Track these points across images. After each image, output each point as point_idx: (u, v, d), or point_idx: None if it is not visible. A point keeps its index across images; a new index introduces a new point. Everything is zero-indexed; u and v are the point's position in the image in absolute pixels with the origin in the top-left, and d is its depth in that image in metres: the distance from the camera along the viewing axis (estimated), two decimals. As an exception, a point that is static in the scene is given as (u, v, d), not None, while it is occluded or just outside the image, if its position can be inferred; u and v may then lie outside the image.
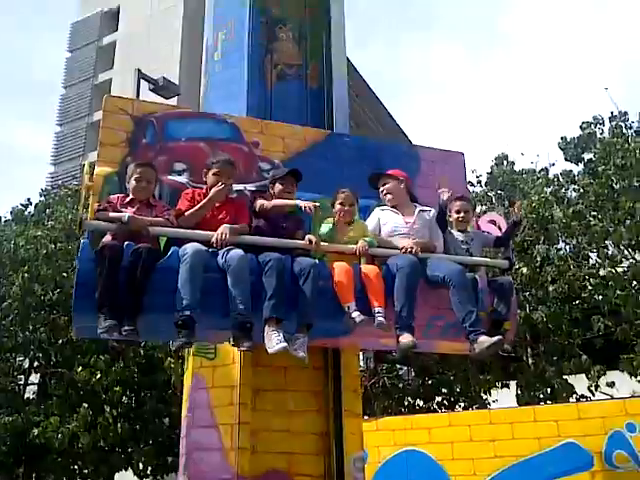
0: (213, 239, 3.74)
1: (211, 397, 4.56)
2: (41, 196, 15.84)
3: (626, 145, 10.82)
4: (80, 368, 11.27)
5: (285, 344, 3.52)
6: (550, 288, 9.96)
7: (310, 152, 4.84)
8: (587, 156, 11.42)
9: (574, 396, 10.08)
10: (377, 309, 3.81)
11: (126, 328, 3.43)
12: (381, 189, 4.52)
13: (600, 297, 9.92)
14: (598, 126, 11.57)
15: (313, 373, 4.58)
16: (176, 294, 3.50)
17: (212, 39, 5.79)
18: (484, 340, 3.70)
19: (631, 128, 11.48)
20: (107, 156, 4.38)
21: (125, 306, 3.48)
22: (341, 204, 4.27)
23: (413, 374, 11.96)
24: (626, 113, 11.56)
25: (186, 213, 3.94)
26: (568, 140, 11.71)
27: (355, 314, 3.76)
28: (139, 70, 12.68)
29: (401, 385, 11.62)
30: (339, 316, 3.86)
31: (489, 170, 12.99)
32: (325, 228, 4.22)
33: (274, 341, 3.52)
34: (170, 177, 4.41)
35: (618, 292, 9.57)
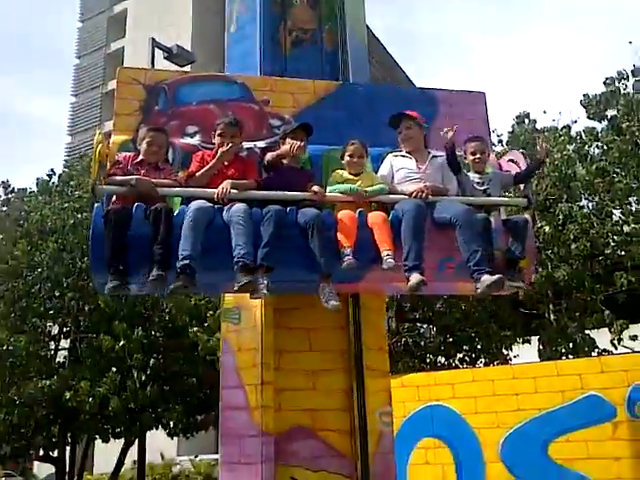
0: (216, 194, 3.86)
1: (237, 360, 4.72)
2: (65, 167, 16.05)
3: (651, 100, 10.65)
4: (104, 335, 11.64)
5: (265, 292, 3.61)
6: (572, 246, 9.91)
7: (321, 104, 4.85)
8: (610, 113, 11.21)
9: (596, 350, 10.15)
10: (385, 252, 3.82)
11: (154, 273, 3.57)
12: (403, 132, 4.44)
13: (623, 253, 9.89)
14: (622, 81, 11.30)
15: (337, 333, 4.68)
16: (179, 246, 3.63)
17: (229, 11, 5.80)
18: (486, 279, 3.69)
19: (656, 82, 11.23)
20: (122, 125, 4.52)
21: (156, 259, 3.61)
22: (350, 156, 4.30)
23: (434, 332, 12.10)
24: (650, 67, 11.29)
25: (196, 174, 4.05)
26: (590, 97, 11.49)
27: (345, 259, 3.78)
28: (153, 39, 12.65)
29: (423, 343, 11.77)
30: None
31: (510, 129, 12.83)
32: (336, 186, 4.20)
33: (260, 286, 3.61)
34: (182, 140, 4.51)
35: (641, 247, 9.55)
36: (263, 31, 5.31)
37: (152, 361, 12.36)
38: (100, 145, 3.91)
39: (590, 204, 10.90)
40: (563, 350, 10.28)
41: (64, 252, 12.59)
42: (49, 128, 64.15)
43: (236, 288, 3.62)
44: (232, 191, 3.89)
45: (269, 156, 4.23)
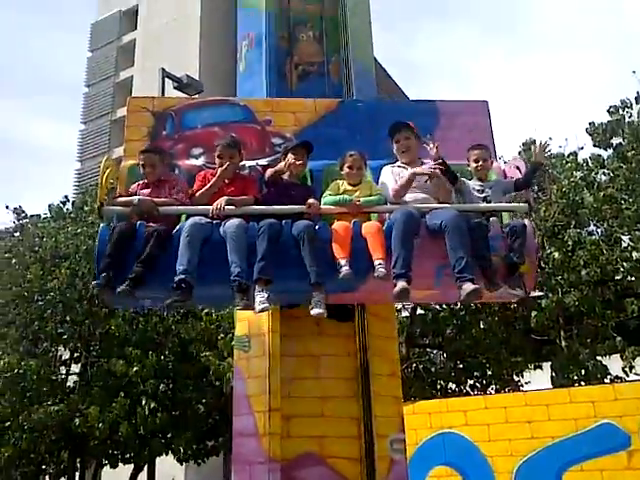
0: (211, 210, 3.99)
1: (247, 387, 4.77)
2: (78, 193, 16.26)
3: (656, 129, 10.79)
4: (116, 360, 11.69)
5: (267, 304, 3.69)
6: (582, 272, 9.95)
7: (322, 122, 4.96)
8: (616, 141, 11.34)
9: (608, 377, 10.13)
10: (377, 261, 3.84)
11: (122, 288, 3.76)
12: (402, 142, 4.46)
13: (633, 279, 9.93)
14: (626, 109, 11.46)
15: (346, 360, 4.71)
16: (177, 261, 3.79)
17: (238, 51, 6.00)
18: (466, 288, 3.68)
19: (660, 111, 11.37)
20: (131, 150, 4.75)
21: (132, 275, 3.81)
22: (349, 167, 4.36)
23: (445, 358, 12.08)
24: (655, 96, 11.44)
25: (197, 193, 4.23)
26: (596, 125, 11.64)
27: (342, 269, 3.81)
28: (163, 69, 12.95)
29: (433, 369, 11.75)
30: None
31: (517, 155, 12.96)
32: (330, 197, 4.28)
33: (258, 301, 3.71)
34: (187, 162, 4.75)
35: (651, 274, 9.60)
36: (269, 67, 5.49)
37: (162, 386, 12.37)
38: (108, 169, 4.16)
39: (599, 230, 10.97)
40: (575, 377, 10.26)
41: (76, 278, 12.70)
42: (56, 154, 64.90)
43: (237, 309, 3.77)
44: (229, 207, 4.03)
45: (268, 172, 4.38)
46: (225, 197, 4.08)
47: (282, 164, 4.36)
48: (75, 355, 13.28)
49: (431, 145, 4.26)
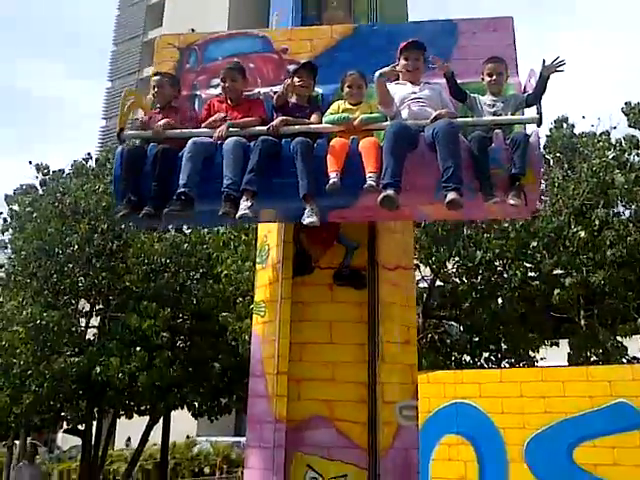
0: (214, 135, 4.11)
1: (262, 350, 4.84)
2: (100, 151, 16.35)
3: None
4: (131, 313, 11.89)
5: (247, 211, 3.80)
6: (608, 252, 9.80)
7: (337, 47, 4.93)
8: (652, 121, 11.04)
9: (627, 358, 10.05)
10: (369, 174, 3.84)
11: (145, 210, 3.97)
12: (411, 61, 4.37)
13: (659, 261, 9.77)
14: (666, 88, 11.13)
15: (357, 326, 4.68)
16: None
17: (271, 22, 5.99)
18: (447, 196, 3.68)
19: (700, 91, 11.02)
20: None
21: (152, 195, 4.04)
22: (349, 87, 4.34)
23: (461, 330, 12.06)
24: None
25: (202, 125, 4.34)
26: (632, 105, 11.33)
27: (330, 181, 3.84)
28: (192, 30, 12.82)
29: (449, 341, 11.75)
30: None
31: (548, 133, 12.70)
32: (328, 116, 4.28)
33: (241, 207, 3.83)
34: (207, 91, 4.90)
35: (678, 256, 9.42)
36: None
37: (179, 343, 12.57)
38: (131, 99, 4.45)
39: (627, 212, 10.75)
40: (593, 356, 10.19)
41: (95, 233, 12.87)
42: (84, 111, 65.13)
43: (219, 214, 3.86)
44: (232, 130, 4.14)
45: (275, 97, 4.44)
46: (228, 122, 4.20)
47: (281, 86, 4.41)
48: (96, 308, 13.54)
49: (440, 62, 4.20)
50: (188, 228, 15.01)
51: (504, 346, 11.48)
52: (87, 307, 13.56)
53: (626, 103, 11.52)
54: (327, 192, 3.85)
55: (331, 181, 3.84)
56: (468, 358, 11.59)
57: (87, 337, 13.16)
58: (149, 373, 11.56)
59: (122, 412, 13.52)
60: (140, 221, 4.19)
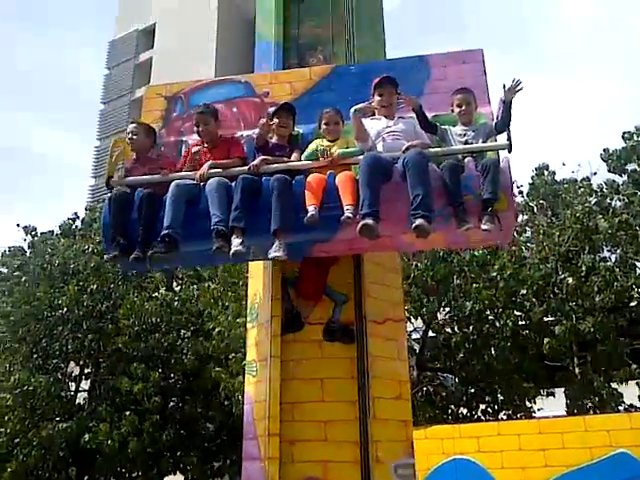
0: (196, 176, 4.25)
1: (253, 411, 4.77)
2: (87, 210, 16.43)
3: (672, 155, 10.75)
4: (122, 377, 11.69)
5: (240, 247, 3.89)
6: (597, 298, 9.88)
7: (316, 88, 5.09)
8: (631, 167, 11.31)
9: (623, 405, 9.98)
10: (346, 207, 3.93)
11: (134, 254, 4.11)
12: (385, 97, 4.49)
13: (648, 306, 9.84)
14: (640, 136, 11.46)
15: (348, 383, 4.63)
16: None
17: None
18: (415, 223, 3.77)
19: (677, 138, 11.33)
20: None
21: (139, 239, 4.17)
22: (326, 124, 4.49)
23: (456, 382, 11.95)
24: (671, 122, 11.44)
25: (182, 171, 4.49)
26: (611, 152, 11.63)
27: (308, 214, 3.93)
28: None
29: (444, 393, 11.62)
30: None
31: (530, 180, 12.96)
32: (306, 153, 4.44)
33: (233, 245, 3.92)
34: (193, 137, 4.96)
35: (667, 300, 9.50)
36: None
37: (170, 404, 12.32)
38: (119, 148, 4.60)
39: (613, 256, 10.89)
40: (589, 404, 10.11)
41: (85, 294, 12.77)
42: (71, 169, 65.62)
43: (213, 250, 3.93)
44: (214, 171, 4.27)
45: (255, 139, 4.59)
46: (209, 162, 4.33)
47: (258, 126, 4.55)
48: (85, 371, 13.29)
49: (408, 98, 4.37)
50: (177, 285, 14.94)
51: (500, 397, 11.39)
52: (77, 370, 13.32)
53: (604, 149, 11.82)
54: (306, 226, 3.96)
55: (309, 214, 3.94)
56: (465, 411, 11.46)
57: (77, 402, 12.87)
58: (140, 438, 11.27)
59: (113, 480, 13.09)
60: (130, 265, 4.29)
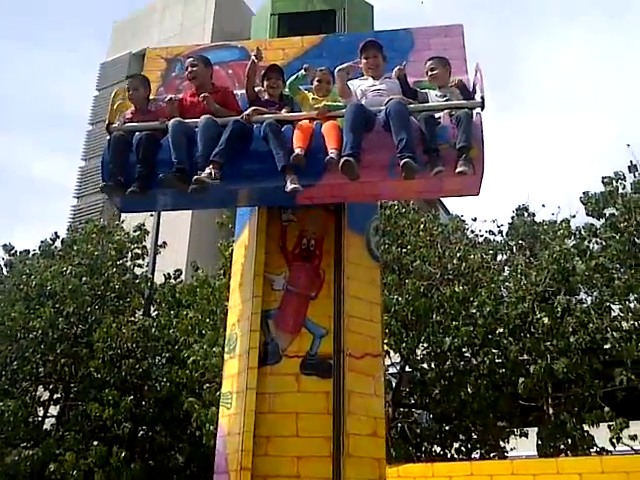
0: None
1: (226, 444, 4.74)
2: (68, 231, 16.27)
3: (648, 202, 10.99)
4: (92, 402, 11.43)
5: (205, 176, 4.25)
6: (571, 339, 9.97)
7: (307, 54, 5.55)
8: (609, 211, 11.54)
9: (595, 448, 10.00)
10: (331, 150, 4.30)
11: (132, 187, 4.51)
12: (371, 59, 4.97)
13: (622, 350, 9.93)
14: (620, 181, 11.72)
15: (323, 418, 4.64)
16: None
17: None
18: (402, 161, 4.14)
19: (653, 185, 11.59)
20: None
21: (136, 176, 4.56)
22: (319, 81, 4.92)
23: (431, 419, 11.89)
24: (648, 170, 11.70)
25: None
26: (590, 195, 11.86)
27: (295, 152, 4.30)
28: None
29: (419, 430, 11.54)
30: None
31: (510, 220, 13.15)
32: (290, 80, 4.90)
33: (204, 173, 4.28)
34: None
35: (641, 345, 9.61)
36: None
37: (140, 432, 12.05)
38: (119, 98, 5.02)
39: (589, 298, 11.03)
40: (562, 446, 10.11)
41: (60, 317, 12.56)
42: (54, 189, 65.15)
43: (193, 181, 4.28)
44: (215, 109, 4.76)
45: (246, 91, 5.07)
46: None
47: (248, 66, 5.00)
48: (54, 397, 12.99)
49: (397, 68, 4.82)
50: (155, 311, 14.73)
51: (474, 435, 11.35)
52: (46, 395, 13.01)
53: (584, 193, 12.04)
54: (292, 164, 4.30)
55: (295, 153, 4.30)
56: (439, 449, 11.39)
57: (44, 427, 12.54)
58: (106, 470, 10.96)
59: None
60: (124, 199, 4.73)
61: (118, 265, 14.10)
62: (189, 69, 5.01)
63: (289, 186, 4.24)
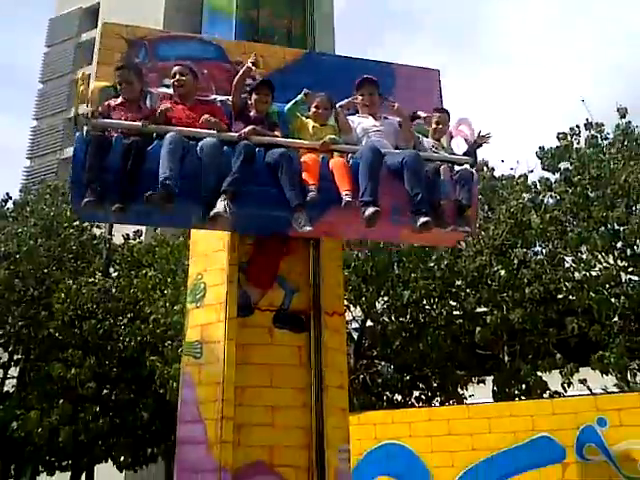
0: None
1: (197, 393, 4.74)
2: (21, 192, 15.78)
3: (601, 156, 11.23)
4: (55, 363, 11.33)
5: (222, 210, 3.97)
6: (527, 290, 10.28)
7: (289, 69, 5.37)
8: (563, 165, 11.76)
9: (548, 392, 10.44)
10: (344, 192, 4.20)
11: (117, 205, 3.97)
12: (367, 96, 4.93)
13: (574, 299, 10.30)
14: (574, 137, 11.92)
15: (298, 370, 4.75)
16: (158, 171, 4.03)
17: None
18: (421, 220, 4.15)
19: (606, 139, 11.83)
20: (103, 73, 4.96)
21: (121, 189, 4.01)
22: (316, 107, 4.78)
23: (392, 370, 12.20)
24: (602, 125, 11.93)
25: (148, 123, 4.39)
26: (546, 150, 12.05)
27: (310, 193, 4.16)
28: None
29: (380, 380, 11.85)
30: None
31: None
32: (290, 104, 4.70)
33: (217, 206, 4.01)
34: (160, 89, 4.92)
35: (592, 294, 9.97)
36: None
37: (105, 391, 12.04)
38: (82, 85, 4.41)
39: (544, 250, 11.32)
40: (516, 391, 10.53)
41: (16, 278, 12.29)
42: (6, 150, 62.69)
43: (211, 215, 4.01)
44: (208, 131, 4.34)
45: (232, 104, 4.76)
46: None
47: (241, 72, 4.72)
48: (15, 357, 12.81)
49: (396, 105, 4.80)
50: (115, 272, 14.54)
51: (434, 384, 11.71)
52: (5, 357, 12.82)
53: (540, 147, 12.20)
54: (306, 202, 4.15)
55: (311, 194, 4.16)
56: (399, 397, 11.72)
57: (4, 389, 12.39)
58: (72, 427, 10.95)
59: (42, 469, 12.69)
60: (90, 216, 4.44)
61: (75, 226, 13.80)
62: (177, 77, 4.61)
63: (305, 227, 4.09)
